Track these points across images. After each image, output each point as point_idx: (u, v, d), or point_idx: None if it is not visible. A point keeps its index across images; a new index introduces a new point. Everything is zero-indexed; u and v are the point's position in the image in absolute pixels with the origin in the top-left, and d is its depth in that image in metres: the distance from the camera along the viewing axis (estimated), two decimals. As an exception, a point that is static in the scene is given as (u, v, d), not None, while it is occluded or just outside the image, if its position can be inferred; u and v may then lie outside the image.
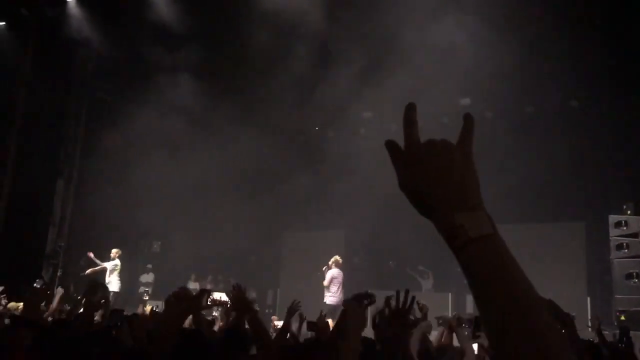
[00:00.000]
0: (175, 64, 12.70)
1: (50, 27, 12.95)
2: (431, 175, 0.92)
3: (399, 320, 2.71)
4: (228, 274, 14.24)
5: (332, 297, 10.85)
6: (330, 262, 11.17)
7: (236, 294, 3.28)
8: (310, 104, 12.58)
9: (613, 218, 10.17)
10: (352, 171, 12.26)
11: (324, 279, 11.25)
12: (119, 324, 3.93)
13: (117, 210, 13.56)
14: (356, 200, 12.67)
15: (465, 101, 12.08)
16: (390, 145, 0.97)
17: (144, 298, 12.82)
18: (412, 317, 2.87)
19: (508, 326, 0.80)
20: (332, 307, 10.31)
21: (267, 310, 13.50)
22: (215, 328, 5.76)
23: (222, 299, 3.81)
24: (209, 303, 4.68)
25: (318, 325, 4.33)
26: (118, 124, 13.31)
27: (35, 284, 8.49)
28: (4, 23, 13.24)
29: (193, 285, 12.96)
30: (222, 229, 14.49)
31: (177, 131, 13.54)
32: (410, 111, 0.97)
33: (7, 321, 5.12)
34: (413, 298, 2.79)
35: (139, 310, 10.08)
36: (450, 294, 12.49)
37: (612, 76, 10.53)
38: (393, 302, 2.74)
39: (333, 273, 11.01)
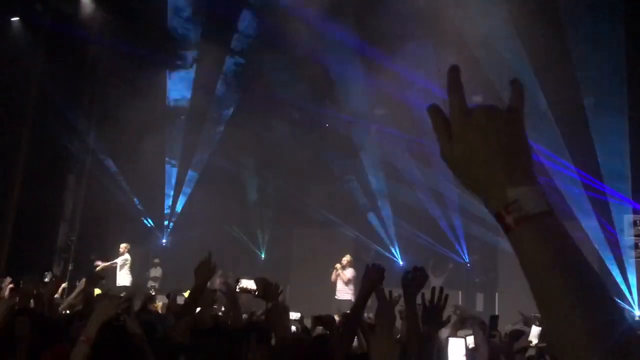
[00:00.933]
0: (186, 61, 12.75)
1: (63, 23, 13.00)
2: (481, 145, 0.84)
3: (433, 317, 2.73)
4: (238, 270, 14.25)
5: (347, 294, 11.15)
6: (344, 262, 11.38)
7: (264, 282, 3.39)
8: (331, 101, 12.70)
9: (629, 218, 10.05)
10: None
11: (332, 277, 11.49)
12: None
13: (127, 204, 13.64)
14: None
15: (477, 99, 12.00)
16: (434, 111, 0.89)
17: (152, 293, 12.83)
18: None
19: (573, 315, 0.72)
20: (349, 303, 10.51)
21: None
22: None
23: (250, 287, 3.86)
24: (237, 290, 4.71)
25: (323, 320, 4.32)
26: (129, 120, 13.35)
27: (45, 278, 8.48)
28: (17, 18, 13.30)
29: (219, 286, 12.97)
30: (233, 223, 14.58)
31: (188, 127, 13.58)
32: (454, 74, 0.88)
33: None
34: (447, 296, 2.83)
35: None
36: (460, 292, 12.42)
37: (630, 75, 10.38)
38: (427, 299, 2.79)
39: (352, 272, 11.26)
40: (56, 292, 6.60)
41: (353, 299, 10.74)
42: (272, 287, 3.35)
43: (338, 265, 11.43)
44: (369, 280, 2.89)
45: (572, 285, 0.74)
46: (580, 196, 11.34)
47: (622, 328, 0.71)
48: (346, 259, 11.50)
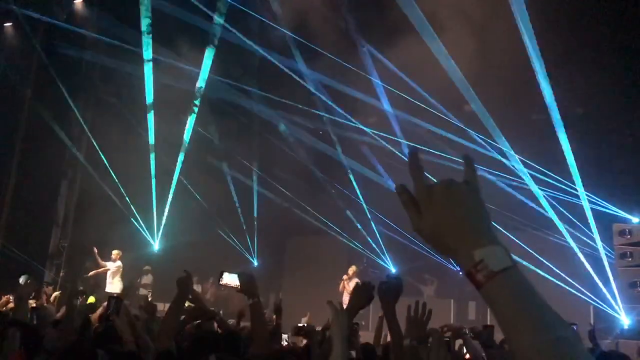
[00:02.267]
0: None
1: (56, 29, 13.01)
2: (446, 217, 0.95)
3: (415, 331, 2.72)
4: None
5: None
6: (350, 273, 11.63)
7: (247, 278, 3.37)
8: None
9: (617, 226, 10.14)
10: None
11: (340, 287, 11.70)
12: (115, 310, 3.95)
13: (119, 210, 13.61)
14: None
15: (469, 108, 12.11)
16: (401, 190, 1.00)
17: (149, 298, 12.79)
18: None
19: (542, 355, 0.82)
20: (360, 314, 10.77)
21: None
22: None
23: (233, 284, 3.87)
24: (220, 284, 4.72)
25: (304, 330, 4.34)
26: (122, 126, 13.37)
27: (20, 280, 8.44)
28: (10, 24, 13.31)
29: (195, 288, 12.91)
30: (224, 231, 14.58)
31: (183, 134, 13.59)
32: (414, 157, 1.01)
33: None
34: (430, 311, 2.83)
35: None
36: (452, 300, 12.45)
37: (616, 84, 10.52)
38: (412, 312, 2.78)
39: (358, 282, 11.31)
40: (30, 294, 6.59)
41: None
42: (255, 283, 3.34)
43: (345, 277, 11.66)
44: (357, 302, 2.84)
45: (537, 324, 0.84)
46: (562, 205, 11.47)
47: None
48: (352, 269, 11.73)
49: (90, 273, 12.21)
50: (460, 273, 0.97)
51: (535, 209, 11.62)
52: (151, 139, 13.79)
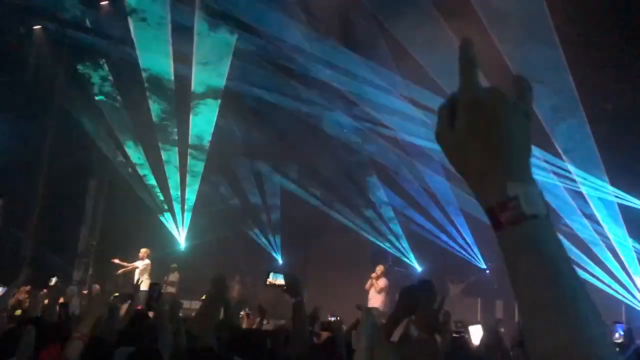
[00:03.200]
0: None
1: (83, 31, 13.18)
2: (486, 130, 0.75)
3: (427, 320, 2.63)
4: (255, 274, 14.30)
5: (377, 302, 11.41)
6: (378, 272, 11.61)
7: (292, 278, 3.44)
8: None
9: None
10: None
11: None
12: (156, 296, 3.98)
13: (146, 209, 13.79)
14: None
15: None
16: (466, 45, 0.79)
17: (172, 291, 12.93)
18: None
19: (558, 315, 0.68)
20: (386, 313, 11.03)
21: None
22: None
23: (278, 282, 3.93)
24: (267, 284, 4.78)
25: (332, 326, 4.39)
26: (150, 124, 13.51)
27: (51, 282, 8.61)
28: (39, 27, 13.55)
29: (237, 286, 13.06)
30: (248, 228, 14.66)
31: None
32: (467, 48, 0.79)
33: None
34: (443, 299, 2.73)
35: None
36: (479, 299, 12.31)
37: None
38: (423, 301, 2.66)
39: (385, 282, 11.56)
40: (60, 294, 6.68)
41: (382, 308, 11.23)
42: (299, 283, 3.43)
43: (374, 275, 11.65)
44: (403, 307, 2.64)
45: (562, 296, 0.70)
46: (591, 201, 11.22)
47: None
48: (380, 268, 11.72)
49: (119, 271, 12.35)
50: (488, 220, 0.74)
51: (562, 205, 11.40)
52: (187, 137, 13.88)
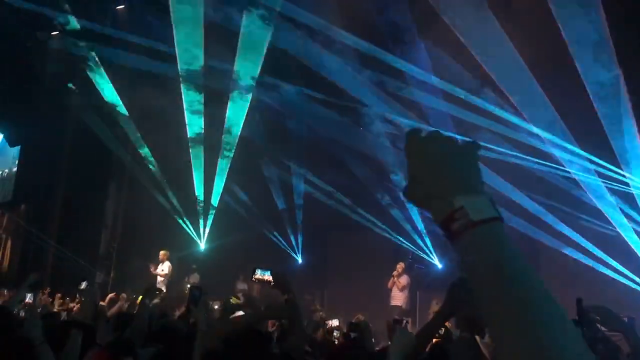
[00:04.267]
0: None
1: (101, 33, 13.28)
2: (426, 162, 0.86)
3: (469, 321, 2.55)
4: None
5: (399, 300, 11.51)
6: (399, 269, 11.66)
7: (278, 274, 3.39)
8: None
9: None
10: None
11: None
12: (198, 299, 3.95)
13: (166, 211, 13.85)
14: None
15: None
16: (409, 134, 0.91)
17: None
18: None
19: (517, 318, 0.70)
20: (399, 309, 11.20)
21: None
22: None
23: (266, 278, 3.90)
24: (253, 280, 4.76)
25: (360, 327, 4.34)
26: (169, 126, 13.56)
27: (81, 286, 8.69)
28: (56, 32, 13.69)
29: (242, 286, 13.05)
30: (268, 229, 14.66)
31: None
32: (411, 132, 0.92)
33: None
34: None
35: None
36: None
37: None
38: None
39: (406, 279, 11.62)
40: (95, 297, 6.74)
41: (404, 306, 11.39)
42: (287, 278, 3.36)
43: (395, 273, 11.66)
44: (452, 302, 2.52)
45: (519, 295, 0.72)
46: (615, 194, 10.96)
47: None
48: (400, 266, 11.73)
49: (155, 271, 12.30)
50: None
51: (585, 198, 11.18)
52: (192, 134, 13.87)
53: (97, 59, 13.24)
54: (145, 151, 14.39)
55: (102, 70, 13.42)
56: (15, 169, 15.92)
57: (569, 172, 11.11)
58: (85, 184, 14.17)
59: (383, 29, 11.47)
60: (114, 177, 15.34)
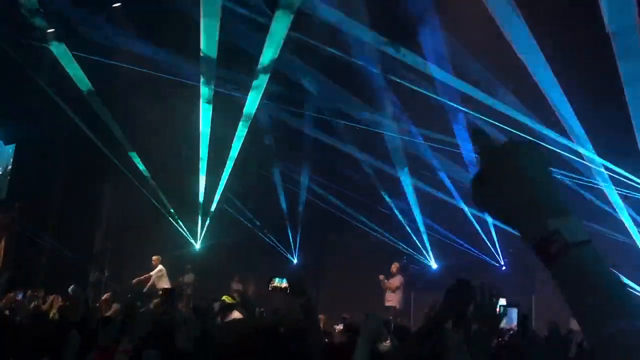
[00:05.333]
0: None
1: (96, 34, 13.20)
2: (513, 181, 0.86)
3: (484, 316, 2.51)
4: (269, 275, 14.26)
5: (392, 301, 11.51)
6: (393, 269, 11.73)
7: (294, 280, 3.38)
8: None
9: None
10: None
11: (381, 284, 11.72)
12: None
13: (161, 211, 13.82)
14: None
15: None
16: (475, 134, 0.92)
17: (188, 292, 12.98)
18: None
19: (614, 332, 0.75)
20: (393, 310, 11.21)
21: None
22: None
23: (283, 286, 3.92)
24: (270, 289, 4.77)
25: (352, 327, 4.33)
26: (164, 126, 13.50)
27: (70, 289, 8.70)
28: (52, 30, 13.60)
29: (236, 286, 13.03)
30: (263, 229, 14.63)
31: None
32: (476, 131, 0.93)
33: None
34: (498, 295, 2.57)
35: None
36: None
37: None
38: (478, 297, 2.54)
39: (399, 279, 11.63)
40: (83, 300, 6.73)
41: (398, 306, 11.35)
42: (302, 283, 3.34)
43: (381, 276, 11.69)
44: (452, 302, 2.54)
45: (616, 308, 0.76)
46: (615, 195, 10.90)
47: None
48: (395, 266, 11.78)
49: (134, 281, 12.42)
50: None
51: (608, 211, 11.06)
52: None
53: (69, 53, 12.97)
54: (138, 152, 14.33)
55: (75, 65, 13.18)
56: (9, 167, 15.85)
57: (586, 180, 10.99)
58: (80, 182, 14.12)
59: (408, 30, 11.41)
60: (109, 176, 15.29)
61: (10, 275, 7.75)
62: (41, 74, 12.98)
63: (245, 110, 12.90)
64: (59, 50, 12.71)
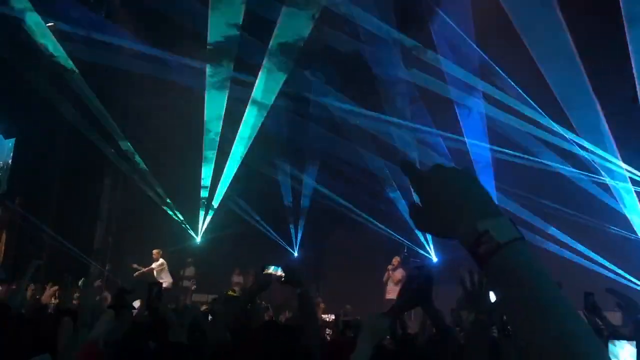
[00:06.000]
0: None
1: (97, 29, 13.12)
2: (443, 195, 0.90)
3: (477, 304, 2.49)
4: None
5: (395, 294, 11.33)
6: (395, 263, 11.81)
7: (290, 269, 3.36)
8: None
9: None
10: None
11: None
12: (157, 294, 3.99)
13: (162, 205, 13.82)
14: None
15: None
16: (404, 166, 0.98)
17: (192, 288, 13.03)
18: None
19: (546, 332, 0.75)
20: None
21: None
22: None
23: (278, 273, 3.91)
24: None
25: (350, 324, 4.34)
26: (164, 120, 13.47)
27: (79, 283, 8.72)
28: (52, 24, 13.54)
29: (237, 279, 13.06)
30: (264, 222, 14.64)
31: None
32: (406, 166, 0.97)
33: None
34: (484, 279, 2.56)
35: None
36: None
37: None
38: (468, 285, 2.53)
39: (402, 272, 11.65)
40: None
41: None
42: (299, 273, 3.32)
43: (390, 267, 11.75)
44: (412, 291, 2.65)
45: (549, 308, 0.77)
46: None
47: None
48: (396, 259, 11.85)
49: (136, 274, 12.51)
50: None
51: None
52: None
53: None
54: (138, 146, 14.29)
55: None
56: (10, 161, 15.82)
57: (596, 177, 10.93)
58: (81, 176, 14.11)
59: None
60: (109, 170, 15.27)
61: (39, 265, 7.75)
62: (39, 68, 12.93)
63: (256, 95, 12.77)
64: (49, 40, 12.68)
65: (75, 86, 12.99)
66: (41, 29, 12.30)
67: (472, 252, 0.84)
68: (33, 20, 11.96)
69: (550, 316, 0.76)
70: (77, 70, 12.82)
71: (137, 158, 14.21)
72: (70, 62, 12.73)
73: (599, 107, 10.04)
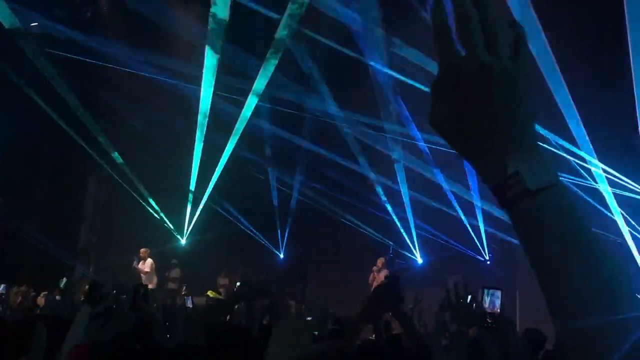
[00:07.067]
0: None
1: (79, 28, 13.04)
2: (477, 108, 0.69)
3: (462, 314, 2.58)
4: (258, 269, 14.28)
5: None
6: (379, 264, 11.86)
7: (260, 283, 3.44)
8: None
9: None
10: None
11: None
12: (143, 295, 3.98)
13: (146, 206, 13.74)
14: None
15: None
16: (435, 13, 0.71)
17: (183, 293, 12.96)
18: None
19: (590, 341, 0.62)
20: None
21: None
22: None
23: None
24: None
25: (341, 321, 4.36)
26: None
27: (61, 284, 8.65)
28: (36, 23, 13.41)
29: (223, 281, 13.02)
30: (250, 224, 14.63)
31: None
32: (437, 14, 0.70)
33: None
34: (470, 291, 2.66)
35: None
36: (479, 290, 12.26)
37: None
38: (452, 296, 2.61)
39: (387, 273, 11.59)
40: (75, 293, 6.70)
41: None
42: (269, 286, 3.46)
43: (375, 268, 11.81)
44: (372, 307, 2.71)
45: (585, 272, 0.63)
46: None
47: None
48: (380, 261, 11.91)
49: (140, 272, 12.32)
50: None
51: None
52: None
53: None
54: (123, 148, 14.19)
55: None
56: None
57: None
58: (65, 176, 13.99)
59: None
60: (94, 171, 15.16)
61: (67, 281, 7.71)
62: (22, 70, 12.81)
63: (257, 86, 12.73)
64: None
65: (57, 85, 12.87)
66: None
67: (496, 194, 0.68)
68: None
69: (588, 295, 0.62)
70: (58, 70, 12.71)
71: (116, 155, 14.08)
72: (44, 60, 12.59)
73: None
